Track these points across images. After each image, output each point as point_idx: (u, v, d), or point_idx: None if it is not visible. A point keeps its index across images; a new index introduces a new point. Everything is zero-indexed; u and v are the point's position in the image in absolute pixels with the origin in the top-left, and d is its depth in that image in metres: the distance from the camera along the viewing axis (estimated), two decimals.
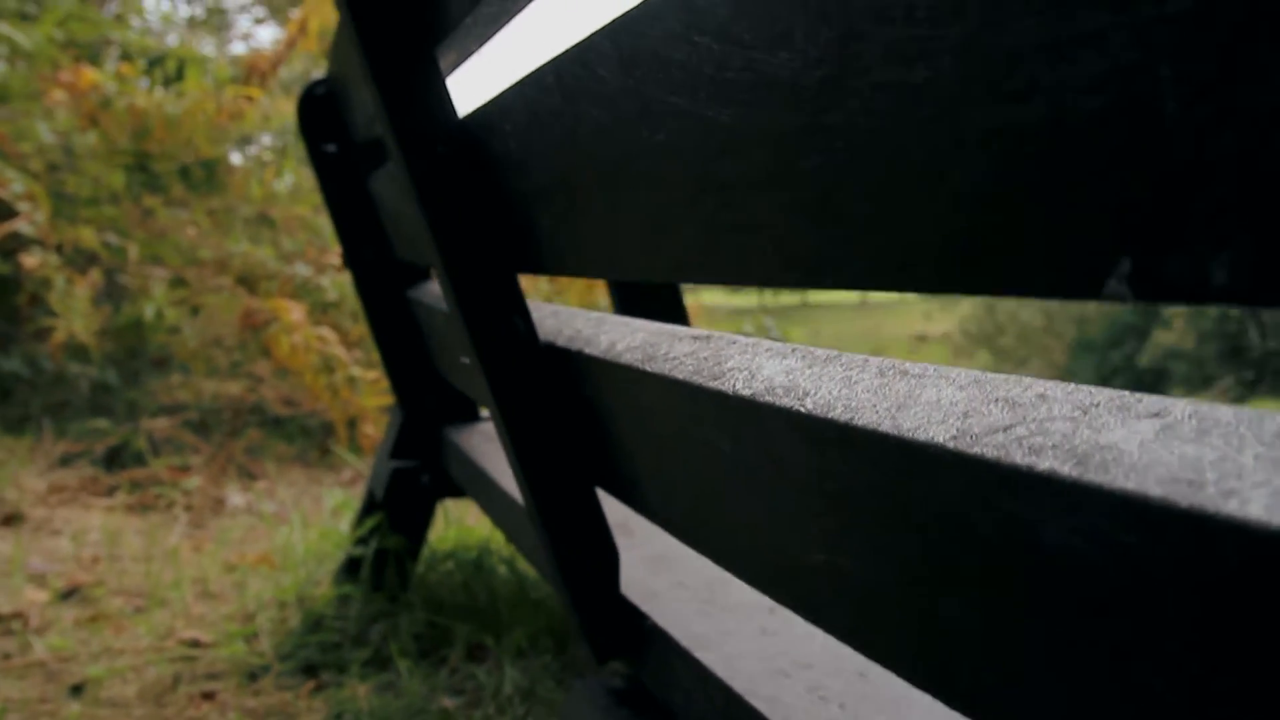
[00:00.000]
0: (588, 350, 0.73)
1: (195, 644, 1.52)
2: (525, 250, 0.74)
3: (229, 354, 2.92)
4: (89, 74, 2.72)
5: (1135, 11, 0.23)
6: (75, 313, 2.35)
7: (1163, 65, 0.22)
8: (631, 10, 0.45)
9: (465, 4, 0.65)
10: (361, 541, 1.58)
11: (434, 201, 0.76)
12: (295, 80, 3.78)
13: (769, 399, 0.47)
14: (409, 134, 0.74)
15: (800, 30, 0.34)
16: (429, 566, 1.66)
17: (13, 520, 2.00)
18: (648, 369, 0.60)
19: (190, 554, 1.93)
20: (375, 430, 2.58)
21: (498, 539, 1.72)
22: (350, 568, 1.60)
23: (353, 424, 2.63)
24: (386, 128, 0.76)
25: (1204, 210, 0.22)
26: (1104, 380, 20.22)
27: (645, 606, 0.81)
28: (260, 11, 10.72)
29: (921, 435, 0.37)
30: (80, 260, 2.70)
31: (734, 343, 0.59)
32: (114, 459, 2.39)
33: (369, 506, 1.63)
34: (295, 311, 2.61)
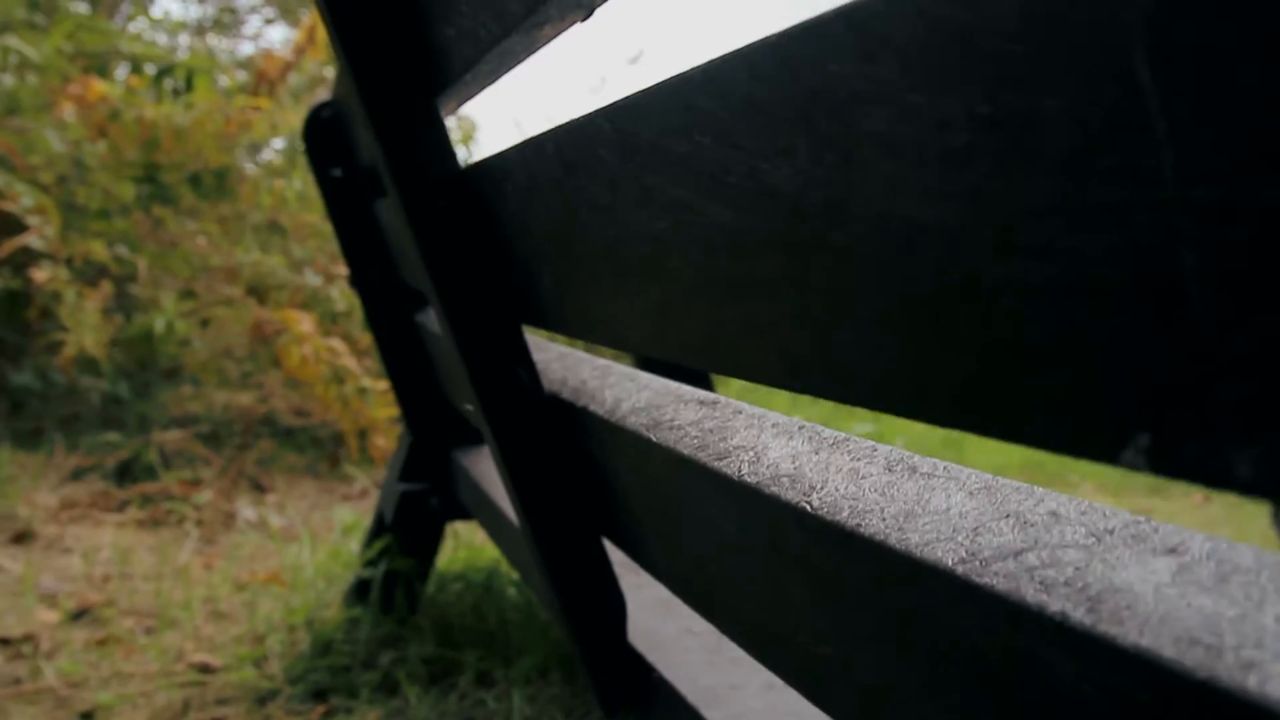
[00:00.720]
0: (592, 407, 0.72)
1: (205, 668, 1.52)
2: (529, 304, 0.73)
3: (239, 364, 2.92)
4: (98, 86, 2.72)
5: (1156, 191, 0.21)
6: (86, 327, 2.35)
7: (1185, 251, 0.21)
8: (632, 96, 0.44)
9: (465, 60, 0.64)
10: (371, 564, 1.58)
11: (436, 254, 0.75)
12: (304, 86, 3.78)
13: (774, 490, 0.46)
14: (410, 186, 0.73)
15: (804, 148, 0.32)
16: (438, 588, 1.65)
17: (24, 538, 2.01)
18: (652, 438, 0.59)
19: (201, 572, 1.93)
20: (386, 441, 2.58)
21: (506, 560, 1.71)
22: (360, 589, 1.60)
23: (363, 435, 2.63)
24: (388, 178, 0.76)
25: (1227, 401, 0.21)
26: None
27: (652, 656, 0.80)
28: (270, 12, 10.73)
29: (930, 555, 0.36)
30: (90, 272, 2.71)
31: (740, 413, 0.58)
32: (125, 473, 2.40)
33: (378, 528, 1.62)
34: (305, 322, 2.61)
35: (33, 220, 2.47)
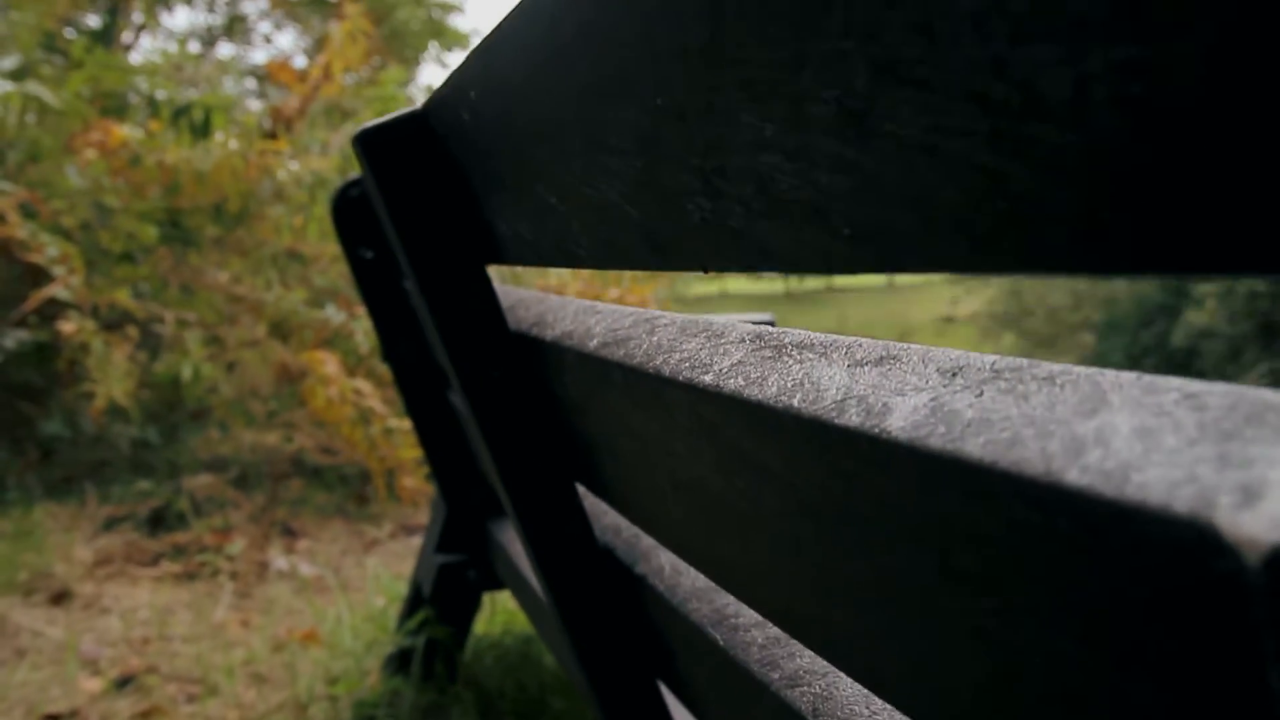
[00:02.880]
0: (637, 569, 0.72)
1: None
2: (584, 465, 0.73)
3: (265, 404, 2.94)
4: (118, 132, 2.73)
5: None
6: (114, 378, 2.37)
7: None
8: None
9: (515, 254, 0.64)
10: (409, 633, 1.59)
11: (490, 421, 0.75)
12: (320, 111, 3.78)
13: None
14: (462, 354, 0.74)
15: None
16: (475, 655, 1.67)
17: (62, 599, 2.03)
18: (719, 642, 0.59)
19: (238, 630, 1.95)
20: (413, 481, 2.59)
21: None
22: (399, 658, 1.61)
23: (390, 474, 2.65)
24: (441, 348, 0.76)
25: None
26: (1134, 362, 19.91)
27: None
28: (279, 17, 10.70)
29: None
30: (116, 317, 2.73)
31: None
32: (158, 521, 2.42)
33: (415, 599, 1.64)
34: (330, 364, 2.62)
35: (58, 270, 2.49)
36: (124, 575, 2.14)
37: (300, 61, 9.69)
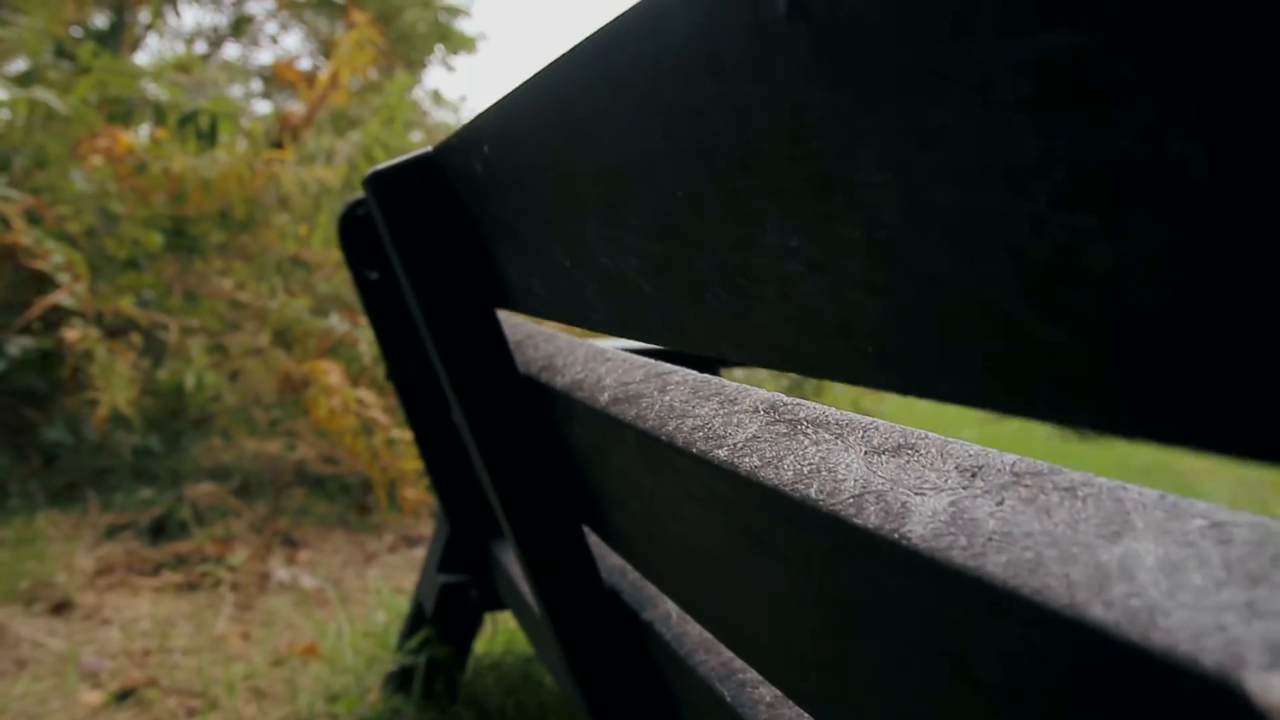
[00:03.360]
0: (643, 615, 0.72)
1: None
2: (591, 510, 0.73)
3: (268, 411, 2.94)
4: (125, 139, 2.73)
5: None
6: (117, 387, 2.37)
7: None
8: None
9: (527, 305, 0.64)
10: (410, 652, 1.59)
11: (498, 464, 0.75)
12: (327, 118, 3.78)
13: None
14: (471, 397, 0.74)
15: None
16: (476, 674, 1.66)
17: (63, 609, 2.03)
18: (725, 697, 0.59)
19: (239, 642, 1.95)
20: (415, 493, 2.59)
21: None
22: (400, 676, 1.61)
23: (392, 485, 2.64)
24: (449, 385, 0.76)
25: None
26: None
27: None
28: (285, 17, 10.70)
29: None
30: (120, 323, 2.73)
31: None
32: (160, 530, 2.42)
33: (417, 618, 1.64)
34: (333, 374, 2.62)
35: (63, 277, 2.49)
36: (125, 585, 2.14)
37: (305, 63, 9.69)
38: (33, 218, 2.71)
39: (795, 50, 0.25)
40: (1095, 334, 0.20)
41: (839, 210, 0.27)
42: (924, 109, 0.22)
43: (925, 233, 0.24)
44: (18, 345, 2.56)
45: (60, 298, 2.47)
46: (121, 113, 3.18)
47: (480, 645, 1.74)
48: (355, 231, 1.50)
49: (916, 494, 0.36)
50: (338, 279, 3.56)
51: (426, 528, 2.63)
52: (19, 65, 3.27)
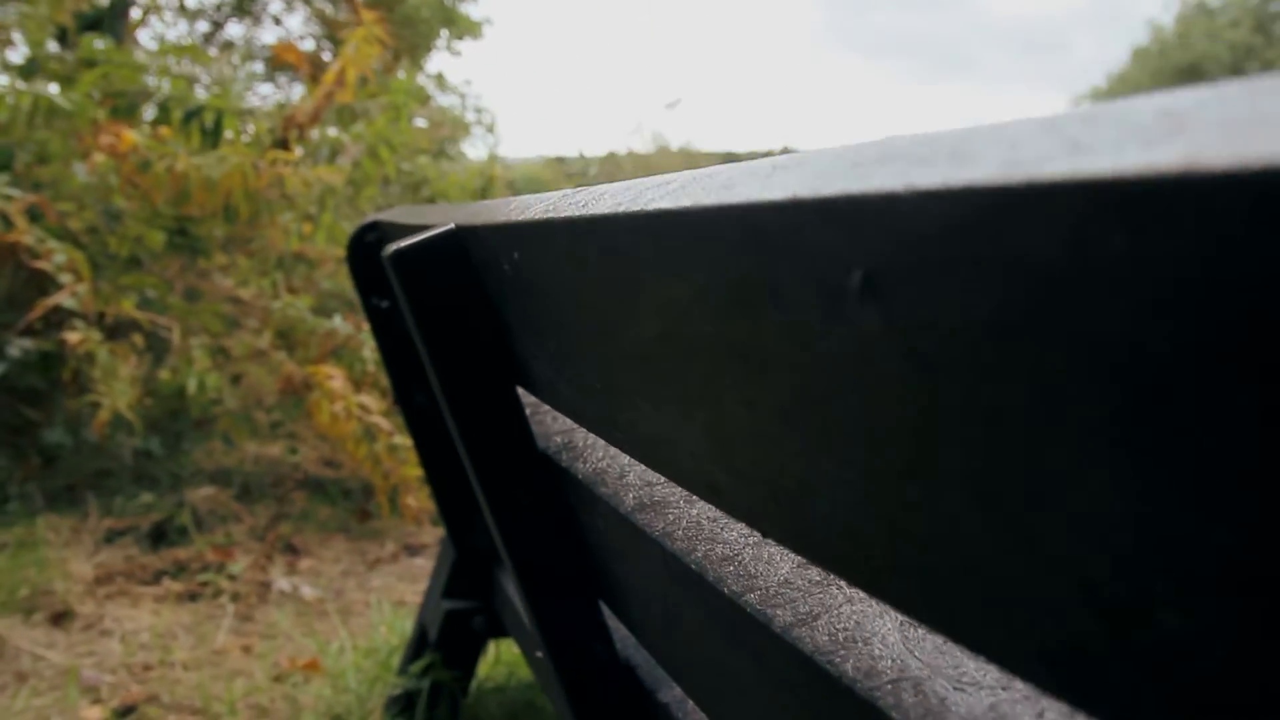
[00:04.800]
0: (660, 695, 0.72)
1: None
2: (610, 593, 0.73)
3: (269, 414, 2.93)
4: (129, 136, 2.71)
5: None
6: (119, 391, 2.37)
7: None
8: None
9: (550, 374, 0.64)
10: (414, 676, 1.59)
11: (514, 535, 0.75)
12: (332, 118, 3.75)
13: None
14: (489, 475, 0.73)
15: None
16: (478, 698, 1.67)
17: (62, 619, 2.03)
18: None
19: (240, 656, 1.95)
20: (417, 501, 2.59)
21: None
22: (402, 700, 1.62)
23: (394, 491, 2.64)
24: (466, 457, 0.76)
25: None
26: None
27: None
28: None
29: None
30: (122, 325, 2.72)
31: None
32: (160, 536, 2.42)
33: (420, 642, 1.64)
34: (336, 379, 2.62)
35: (65, 278, 2.48)
36: (125, 595, 2.14)
37: (308, 44, 9.61)
38: (34, 215, 2.70)
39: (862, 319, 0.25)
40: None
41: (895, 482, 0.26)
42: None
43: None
44: (18, 347, 2.55)
45: (62, 299, 2.46)
46: (125, 106, 3.16)
47: (484, 668, 1.74)
48: (364, 258, 1.49)
49: (955, 687, 0.36)
50: (340, 275, 3.55)
51: (429, 535, 2.63)
52: (19, 55, 3.24)
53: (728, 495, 0.41)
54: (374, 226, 1.51)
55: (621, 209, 0.39)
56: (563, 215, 0.44)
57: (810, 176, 0.26)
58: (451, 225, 0.69)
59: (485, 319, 0.70)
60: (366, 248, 1.50)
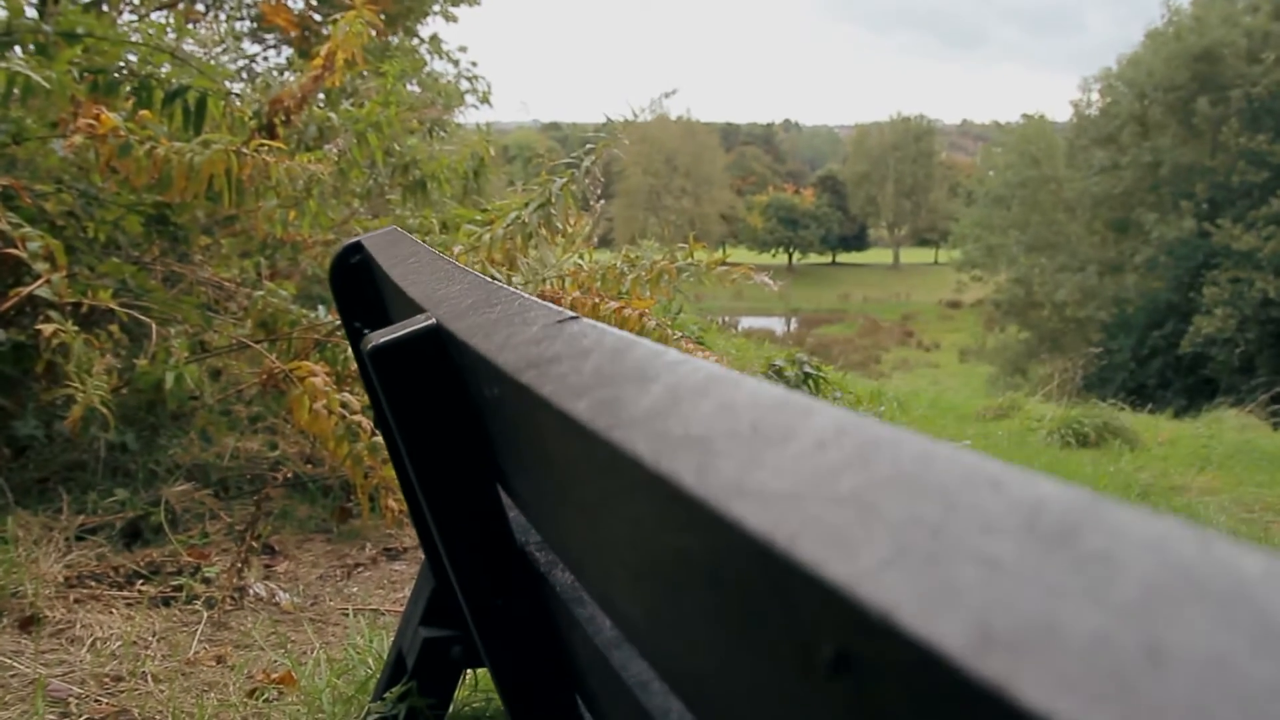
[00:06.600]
0: None
1: None
2: (588, 690, 0.69)
3: (249, 407, 2.88)
4: (109, 119, 2.63)
5: None
6: (93, 385, 2.30)
7: None
8: None
9: (531, 492, 0.59)
10: (391, 702, 1.56)
11: (492, 635, 0.71)
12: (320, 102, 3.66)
13: None
14: (468, 577, 0.69)
15: None
16: None
17: (30, 624, 1.98)
18: None
19: (213, 667, 1.91)
20: (398, 502, 2.55)
21: None
22: None
23: (375, 491, 2.60)
24: (442, 548, 0.71)
25: None
26: (1141, 362, 19.99)
27: None
28: None
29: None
30: (98, 314, 2.65)
31: None
32: (134, 534, 2.37)
33: (397, 668, 1.60)
34: (318, 375, 2.56)
35: (41, 266, 2.41)
36: (97, 599, 2.10)
37: (298, 3, 9.41)
38: (8, 197, 2.62)
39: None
40: None
41: None
42: None
43: None
44: None
45: (37, 288, 2.39)
46: (105, 84, 3.07)
47: (461, 693, 1.71)
48: (348, 279, 1.44)
49: None
50: (325, 259, 3.48)
51: (408, 538, 2.60)
52: None
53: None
54: (358, 248, 1.45)
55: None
56: (544, 392, 0.40)
57: None
58: (432, 321, 0.64)
59: (466, 419, 0.65)
60: (350, 269, 1.45)
